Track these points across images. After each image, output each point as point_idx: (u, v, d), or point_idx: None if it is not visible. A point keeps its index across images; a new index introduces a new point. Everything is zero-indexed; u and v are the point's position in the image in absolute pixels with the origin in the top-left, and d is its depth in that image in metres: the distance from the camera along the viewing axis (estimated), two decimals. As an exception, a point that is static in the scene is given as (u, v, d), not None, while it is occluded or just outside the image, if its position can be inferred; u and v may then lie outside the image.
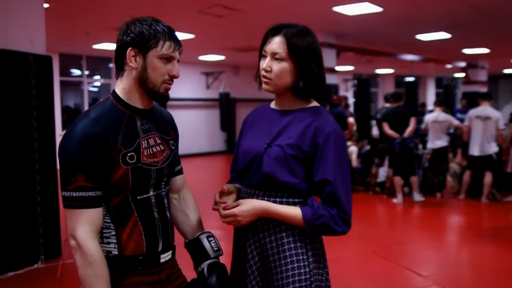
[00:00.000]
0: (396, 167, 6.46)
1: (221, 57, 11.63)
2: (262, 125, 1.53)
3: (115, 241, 1.35)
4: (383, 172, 7.18)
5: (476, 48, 10.51)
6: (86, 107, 10.96)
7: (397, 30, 8.03)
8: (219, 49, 10.36)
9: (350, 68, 14.24)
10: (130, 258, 1.36)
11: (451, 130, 7.51)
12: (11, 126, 3.82)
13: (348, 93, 15.23)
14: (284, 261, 1.41)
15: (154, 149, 1.40)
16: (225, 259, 1.54)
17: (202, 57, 11.63)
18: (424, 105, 12.20)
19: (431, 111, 8.50)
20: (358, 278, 3.77)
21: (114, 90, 1.39)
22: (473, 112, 6.54)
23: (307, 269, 1.41)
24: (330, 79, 8.29)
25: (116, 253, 1.35)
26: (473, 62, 12.54)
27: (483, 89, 12.31)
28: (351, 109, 10.21)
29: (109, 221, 1.35)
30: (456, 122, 6.87)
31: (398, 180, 6.46)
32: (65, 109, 11.28)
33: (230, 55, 11.21)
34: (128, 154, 1.33)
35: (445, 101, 7.83)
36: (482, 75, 12.98)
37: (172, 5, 5.98)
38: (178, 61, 1.39)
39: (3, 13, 3.83)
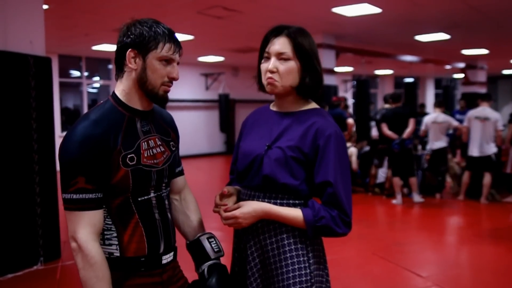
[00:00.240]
0: (395, 168, 6.46)
1: (220, 58, 11.63)
2: (262, 127, 1.53)
3: (116, 242, 1.35)
4: (382, 173, 7.18)
5: (475, 49, 10.52)
6: (85, 108, 10.96)
7: (396, 31, 8.03)
8: (218, 50, 10.37)
9: (349, 69, 14.25)
10: (132, 260, 1.36)
11: (450, 131, 7.52)
12: (11, 127, 3.81)
13: (347, 94, 15.24)
14: (284, 262, 1.41)
15: (154, 151, 1.40)
16: (225, 261, 1.53)
17: (202, 58, 11.64)
18: (423, 106, 12.20)
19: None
20: (358, 279, 3.77)
21: (114, 92, 1.39)
22: (472, 113, 6.55)
23: (308, 271, 1.41)
24: (329, 80, 8.29)
25: (118, 254, 1.35)
26: (472, 63, 12.55)
27: (482, 90, 12.31)
28: (351, 110, 10.21)
29: (110, 222, 1.35)
30: (455, 123, 6.88)
31: (397, 181, 6.46)
32: (64, 110, 11.27)
33: (229, 56, 11.22)
34: (128, 156, 1.33)
35: (444, 102, 7.83)
36: (481, 76, 12.99)
37: (172, 6, 5.98)
38: (178, 63, 1.39)
39: (2, 14, 3.82)
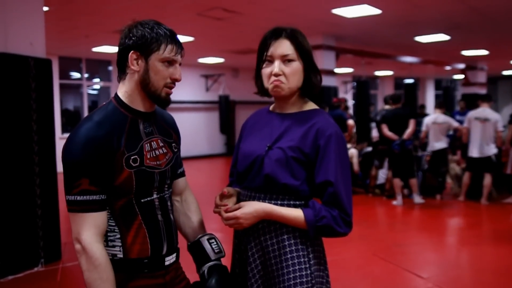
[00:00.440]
0: (395, 169, 6.47)
1: (220, 60, 11.64)
2: (262, 128, 1.53)
3: (120, 244, 1.35)
4: (382, 174, 7.18)
5: (475, 50, 10.53)
6: (85, 110, 10.96)
7: (396, 32, 8.04)
8: (218, 52, 10.37)
9: (349, 70, 14.25)
10: (135, 261, 1.36)
11: (451, 132, 7.51)
12: (11, 129, 3.82)
13: (347, 95, 15.25)
14: (285, 263, 1.42)
15: (157, 152, 1.40)
16: (226, 262, 1.54)
17: (202, 60, 11.64)
18: (423, 106, 12.21)
19: None
20: (358, 280, 3.77)
21: (116, 94, 1.40)
22: (472, 113, 6.55)
23: (308, 272, 1.42)
24: (330, 81, 8.28)
25: (121, 256, 1.35)
26: (472, 64, 12.56)
27: (482, 91, 12.32)
28: (351, 111, 10.22)
29: (114, 224, 1.35)
30: (455, 124, 6.89)
31: (397, 182, 6.46)
32: (64, 112, 11.27)
33: (229, 58, 11.23)
34: (132, 157, 1.33)
35: (444, 103, 7.84)
36: (481, 77, 13.00)
37: (172, 7, 5.98)
38: (180, 64, 1.39)
39: (2, 16, 3.83)
